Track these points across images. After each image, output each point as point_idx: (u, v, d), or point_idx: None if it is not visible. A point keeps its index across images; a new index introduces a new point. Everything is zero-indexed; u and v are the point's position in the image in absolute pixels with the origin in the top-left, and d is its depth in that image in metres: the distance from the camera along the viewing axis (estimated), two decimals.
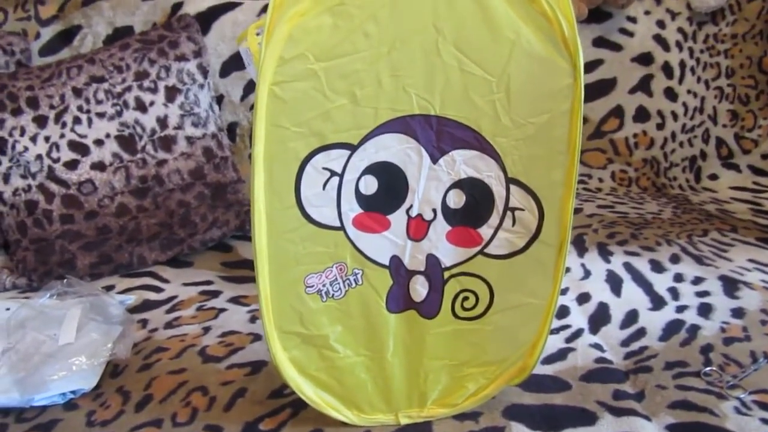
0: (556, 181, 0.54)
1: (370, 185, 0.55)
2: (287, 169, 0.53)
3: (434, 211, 0.56)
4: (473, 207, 0.56)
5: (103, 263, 0.92)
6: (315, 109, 0.52)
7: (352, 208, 0.55)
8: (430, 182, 0.55)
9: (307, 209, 0.54)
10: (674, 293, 0.85)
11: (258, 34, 0.63)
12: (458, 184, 0.55)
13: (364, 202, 0.55)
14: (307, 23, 0.51)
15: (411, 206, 0.56)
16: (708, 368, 0.68)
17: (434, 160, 0.55)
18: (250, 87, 1.19)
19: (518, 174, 0.55)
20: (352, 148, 0.54)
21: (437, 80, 0.52)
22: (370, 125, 0.53)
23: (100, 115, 0.96)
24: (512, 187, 0.55)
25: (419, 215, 0.56)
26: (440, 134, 0.54)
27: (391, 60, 0.52)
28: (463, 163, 0.55)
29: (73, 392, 0.65)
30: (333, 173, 0.54)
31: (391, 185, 0.55)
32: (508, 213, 0.56)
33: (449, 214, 0.56)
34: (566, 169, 0.54)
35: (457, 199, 0.56)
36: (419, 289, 0.58)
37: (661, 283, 0.88)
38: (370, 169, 0.54)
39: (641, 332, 0.76)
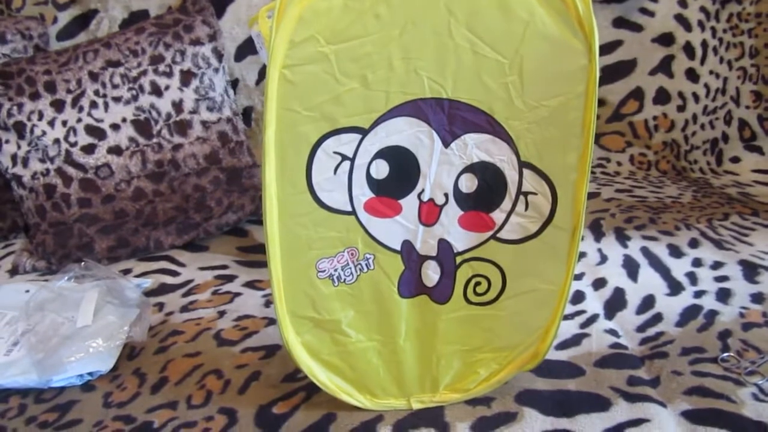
0: (570, 164, 0.53)
1: (381, 169, 0.55)
2: (298, 153, 0.53)
3: (446, 195, 0.55)
4: (485, 191, 0.55)
5: (120, 247, 0.93)
6: (326, 93, 0.52)
7: (363, 193, 0.55)
8: (442, 166, 0.55)
9: (319, 194, 0.54)
10: (692, 278, 0.84)
11: (269, 17, 0.63)
12: (470, 168, 0.55)
13: (376, 187, 0.55)
14: (318, 5, 0.51)
15: (422, 191, 0.55)
16: (726, 354, 0.67)
17: (446, 144, 0.54)
18: (264, 71, 1.19)
19: (531, 158, 0.54)
20: (363, 132, 0.53)
21: (449, 63, 0.52)
22: (381, 109, 0.53)
23: (116, 99, 0.97)
24: (525, 171, 0.54)
25: (431, 200, 0.56)
26: (452, 118, 0.53)
27: (402, 42, 0.51)
28: (476, 146, 0.54)
29: (90, 374, 0.67)
30: (344, 157, 0.54)
31: (402, 169, 0.55)
32: (521, 197, 0.55)
33: (461, 198, 0.55)
34: (580, 153, 0.53)
35: (469, 184, 0.55)
36: (431, 274, 0.58)
37: (679, 268, 0.86)
38: (381, 153, 0.54)
39: (657, 318, 0.75)
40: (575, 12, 0.50)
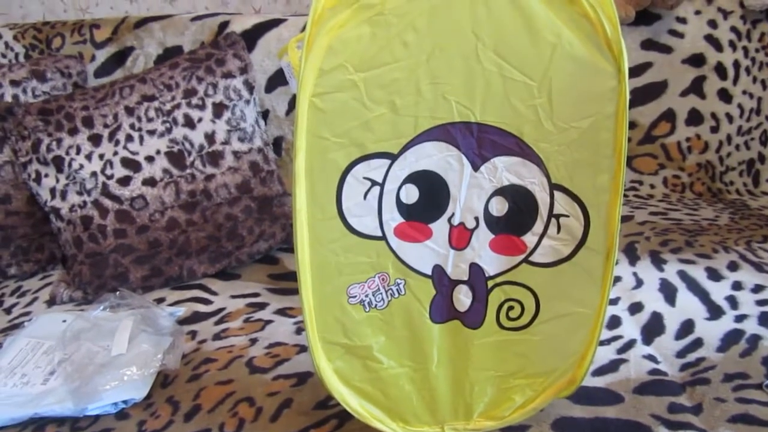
0: (602, 186, 0.53)
1: (411, 194, 0.55)
2: (328, 179, 0.53)
3: (476, 219, 0.55)
4: (516, 214, 0.55)
5: (154, 276, 0.94)
6: (355, 119, 0.53)
7: (393, 218, 0.55)
8: (472, 190, 0.54)
9: (349, 219, 0.54)
10: (732, 302, 0.81)
11: (298, 48, 0.64)
12: (500, 192, 0.54)
13: (406, 212, 0.55)
14: (346, 34, 0.52)
15: (453, 215, 0.55)
16: None
17: (475, 168, 0.54)
18: (294, 101, 1.21)
19: (562, 180, 0.53)
20: (393, 158, 0.54)
21: (477, 87, 0.52)
22: (410, 134, 0.53)
23: (151, 132, 0.99)
24: (556, 193, 0.54)
25: (461, 224, 0.55)
26: (481, 141, 0.53)
27: (430, 68, 0.52)
28: (505, 169, 0.54)
29: (124, 402, 0.67)
30: (374, 183, 0.54)
31: (432, 194, 0.55)
32: (553, 220, 0.54)
33: (492, 222, 0.55)
34: (613, 174, 0.52)
35: (499, 207, 0.55)
36: (463, 298, 0.57)
37: (719, 291, 0.84)
38: (410, 178, 0.54)
39: (698, 343, 0.73)
40: (603, 34, 0.50)
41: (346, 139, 0.53)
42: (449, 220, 0.55)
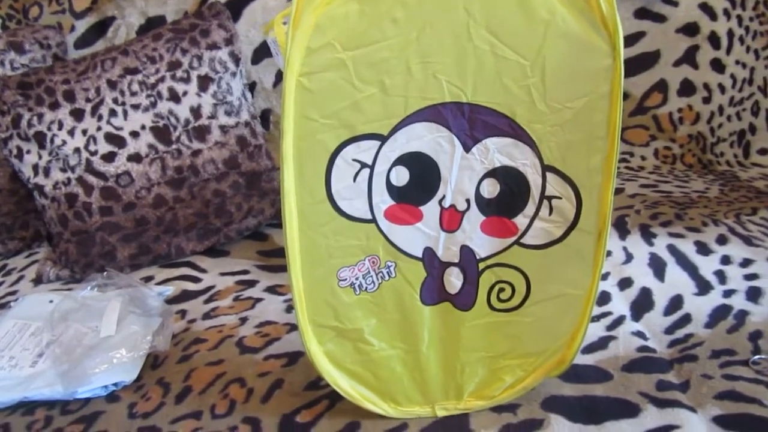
0: (595, 167, 0.52)
1: (401, 176, 0.54)
2: (317, 162, 0.52)
3: (468, 201, 0.54)
4: (508, 196, 0.54)
5: (142, 254, 0.93)
6: (344, 100, 0.51)
7: (383, 200, 0.54)
8: (463, 172, 0.54)
9: (338, 202, 0.54)
10: (721, 277, 0.82)
11: (285, 23, 0.62)
12: (492, 173, 0.53)
13: (396, 194, 0.54)
14: (334, 11, 0.50)
15: (444, 197, 0.54)
16: (757, 357, 0.66)
17: (467, 149, 0.53)
18: (282, 74, 1.19)
19: (555, 161, 0.53)
20: (383, 139, 0.53)
21: (468, 66, 0.51)
22: (400, 114, 0.52)
23: (135, 106, 0.97)
24: (548, 175, 0.53)
25: (452, 206, 0.55)
26: (473, 122, 0.52)
27: (420, 46, 0.50)
28: (497, 151, 0.53)
29: (114, 384, 0.67)
30: (363, 165, 0.53)
31: (422, 176, 0.54)
32: (545, 202, 0.54)
33: (483, 204, 0.54)
34: (605, 155, 0.52)
35: (491, 189, 0.54)
36: (454, 281, 0.57)
37: (708, 266, 0.84)
38: (401, 160, 0.53)
39: (686, 319, 0.74)
40: (598, 11, 0.49)
41: (334, 120, 0.52)
42: (440, 202, 0.55)
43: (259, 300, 0.84)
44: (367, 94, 0.51)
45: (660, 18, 1.20)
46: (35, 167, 0.94)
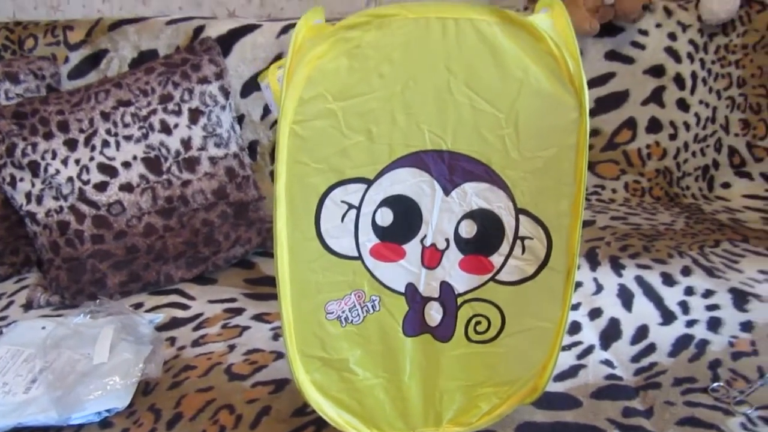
0: (564, 211, 0.57)
1: (386, 217, 0.58)
2: (308, 202, 0.56)
3: (447, 240, 0.59)
4: (484, 236, 0.58)
5: (132, 281, 0.96)
6: (333, 146, 0.56)
7: (369, 239, 0.58)
8: (443, 213, 0.58)
9: (327, 240, 0.58)
10: (684, 307, 0.86)
11: (278, 70, 0.66)
12: (470, 215, 0.58)
13: (381, 233, 0.58)
14: (325, 65, 0.55)
15: (425, 236, 0.59)
16: (716, 384, 0.70)
17: (447, 193, 0.57)
18: (270, 108, 1.23)
19: (527, 205, 0.57)
20: (369, 182, 0.57)
21: (449, 117, 0.55)
22: (385, 160, 0.56)
23: (128, 138, 1.00)
24: (521, 217, 0.57)
25: (433, 245, 0.59)
26: (452, 168, 0.57)
27: (404, 98, 0.55)
28: (475, 195, 0.57)
29: (107, 410, 0.69)
30: (351, 206, 0.57)
31: (406, 217, 0.58)
32: (518, 242, 0.58)
33: (461, 243, 0.59)
34: (573, 200, 0.56)
35: (469, 229, 0.58)
36: (434, 314, 0.61)
37: (672, 297, 0.89)
38: (385, 202, 0.57)
39: (651, 348, 0.78)
40: (566, 70, 0.54)
41: (324, 164, 0.56)
42: (422, 241, 0.59)
43: (246, 328, 0.87)
44: (355, 141, 0.56)
45: (629, 60, 1.27)
46: (28, 195, 0.97)
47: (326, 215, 0.57)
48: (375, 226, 0.58)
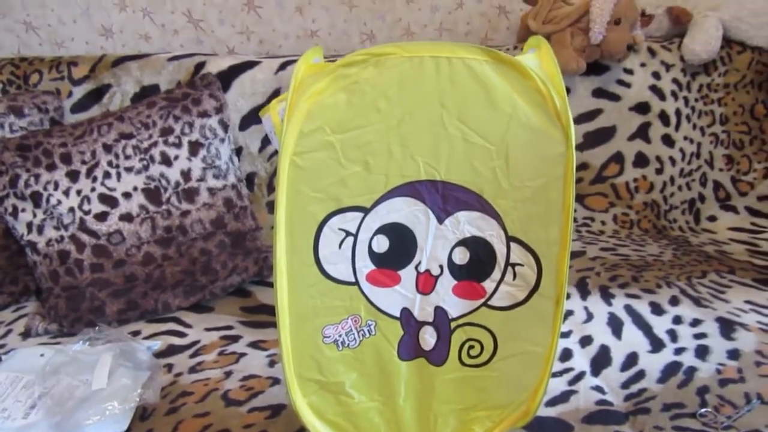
0: (553, 239, 0.59)
1: (382, 244, 0.60)
2: (307, 230, 0.59)
3: (441, 267, 0.61)
4: (477, 263, 0.61)
5: (130, 309, 0.97)
6: (332, 176, 0.58)
7: (365, 265, 0.61)
8: (437, 241, 0.60)
9: (325, 266, 0.60)
10: (673, 335, 0.88)
11: (280, 104, 0.69)
12: (463, 243, 0.60)
13: (377, 260, 0.61)
14: (325, 100, 0.58)
15: (420, 263, 0.61)
16: (704, 410, 0.72)
17: (440, 221, 0.60)
18: (267, 139, 1.26)
19: (517, 233, 0.60)
20: (365, 211, 0.59)
21: (442, 149, 0.58)
22: (381, 190, 0.59)
23: (128, 169, 1.03)
24: (512, 245, 0.60)
25: (427, 271, 0.61)
26: (446, 197, 0.59)
27: (400, 132, 0.58)
28: (467, 223, 0.60)
29: None
30: (348, 233, 0.60)
31: (401, 244, 0.60)
32: (509, 268, 0.60)
33: (455, 269, 0.61)
34: (561, 228, 0.59)
35: (462, 256, 0.61)
36: (428, 338, 0.63)
37: (661, 325, 0.91)
38: (381, 230, 0.60)
39: (640, 374, 0.80)
40: (553, 106, 0.57)
41: (323, 193, 0.59)
42: (416, 267, 0.61)
43: (242, 355, 0.88)
44: (352, 172, 0.59)
45: (615, 97, 1.32)
46: (29, 225, 0.99)
47: (324, 242, 0.59)
48: (371, 252, 0.60)
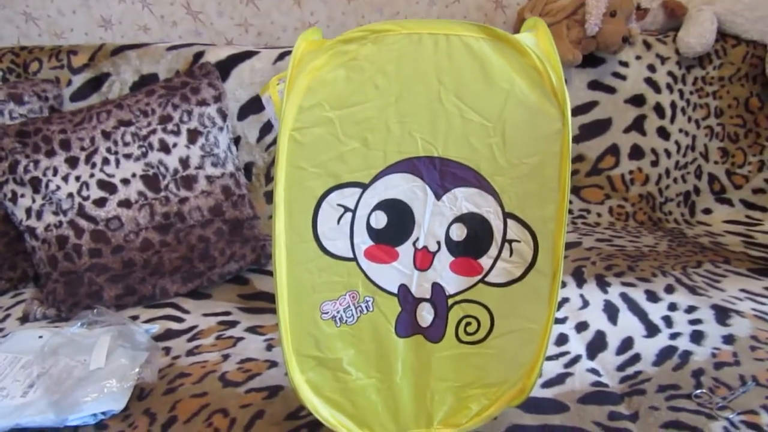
0: (549, 215, 0.60)
1: (380, 220, 0.61)
2: (305, 206, 0.59)
3: (438, 243, 0.61)
4: (474, 239, 0.61)
5: (128, 295, 0.97)
6: (330, 152, 0.59)
7: (363, 241, 0.61)
8: (435, 217, 0.61)
9: (323, 242, 0.60)
10: (668, 321, 0.89)
11: (279, 84, 0.70)
12: (460, 219, 0.61)
13: (375, 236, 0.61)
14: (324, 76, 0.58)
15: (417, 239, 0.61)
16: (699, 390, 0.72)
17: (438, 197, 0.60)
18: (265, 129, 1.26)
19: (514, 209, 0.60)
20: (364, 187, 0.60)
21: (440, 126, 0.59)
22: (379, 166, 0.60)
23: (127, 156, 1.03)
24: (509, 221, 0.60)
25: (425, 247, 0.62)
26: (443, 174, 0.60)
27: (398, 108, 0.58)
28: (464, 199, 0.60)
29: (103, 413, 0.70)
30: (346, 209, 0.60)
31: (399, 220, 0.61)
32: (506, 245, 0.61)
33: (452, 246, 0.61)
34: (558, 205, 0.59)
35: (459, 232, 0.61)
36: (425, 315, 0.63)
37: (656, 312, 0.92)
38: (380, 206, 0.60)
39: (636, 358, 0.81)
40: (549, 83, 0.58)
41: (322, 169, 0.59)
42: (414, 243, 0.61)
43: (240, 339, 0.88)
44: (351, 148, 0.59)
45: (610, 89, 1.33)
46: (28, 210, 0.99)
47: (323, 218, 0.60)
48: (369, 228, 0.61)
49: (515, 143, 0.59)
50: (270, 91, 0.66)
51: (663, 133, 1.34)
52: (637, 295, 0.97)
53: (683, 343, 0.83)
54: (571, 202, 1.26)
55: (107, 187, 1.01)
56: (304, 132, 0.58)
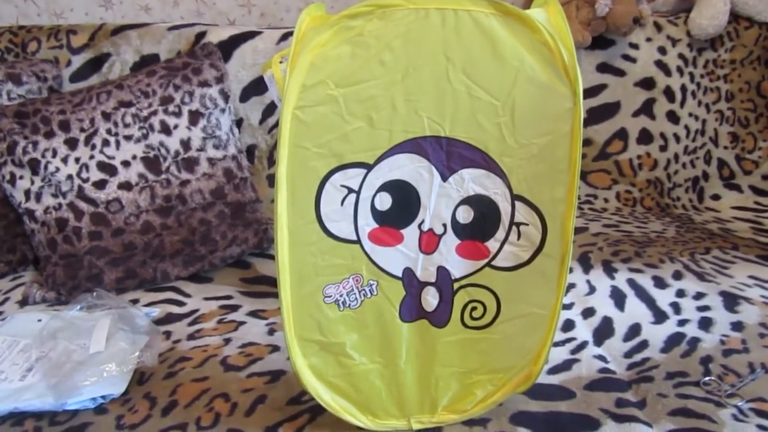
0: (558, 197, 0.58)
1: (384, 201, 0.59)
2: (308, 186, 0.58)
3: (444, 225, 0.60)
4: (481, 222, 0.60)
5: (128, 278, 0.96)
6: (334, 131, 0.57)
7: (368, 223, 0.59)
8: (441, 199, 0.59)
9: (326, 224, 0.59)
10: (676, 308, 0.88)
11: (281, 62, 0.68)
12: (467, 201, 0.59)
13: (379, 218, 0.59)
14: (328, 53, 0.56)
15: (423, 221, 0.60)
16: (707, 378, 0.71)
17: (444, 179, 0.59)
18: (268, 111, 1.24)
19: (523, 191, 0.59)
20: (368, 167, 0.58)
21: (447, 104, 0.57)
22: (384, 146, 0.58)
23: (128, 137, 1.01)
24: (517, 204, 0.59)
25: (430, 230, 0.60)
26: (450, 154, 0.58)
27: (404, 86, 0.57)
28: (471, 181, 0.59)
29: (103, 397, 0.69)
30: (350, 190, 0.58)
31: (404, 201, 0.59)
32: (514, 227, 0.59)
33: (458, 228, 0.60)
34: (567, 187, 0.58)
35: (465, 215, 0.60)
36: (430, 299, 0.62)
37: (664, 298, 0.91)
38: (384, 187, 0.59)
39: (643, 344, 0.79)
40: (561, 60, 0.56)
41: (325, 149, 0.57)
42: (419, 226, 0.60)
43: (242, 323, 0.87)
44: (356, 127, 0.57)
45: (620, 72, 1.31)
46: (27, 192, 0.98)
47: (326, 199, 0.58)
48: (374, 210, 0.59)
49: (525, 123, 0.57)
50: (272, 69, 0.64)
51: (672, 117, 1.32)
52: (645, 281, 0.96)
53: (691, 330, 0.82)
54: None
55: (107, 169, 0.99)
56: (308, 111, 0.56)
